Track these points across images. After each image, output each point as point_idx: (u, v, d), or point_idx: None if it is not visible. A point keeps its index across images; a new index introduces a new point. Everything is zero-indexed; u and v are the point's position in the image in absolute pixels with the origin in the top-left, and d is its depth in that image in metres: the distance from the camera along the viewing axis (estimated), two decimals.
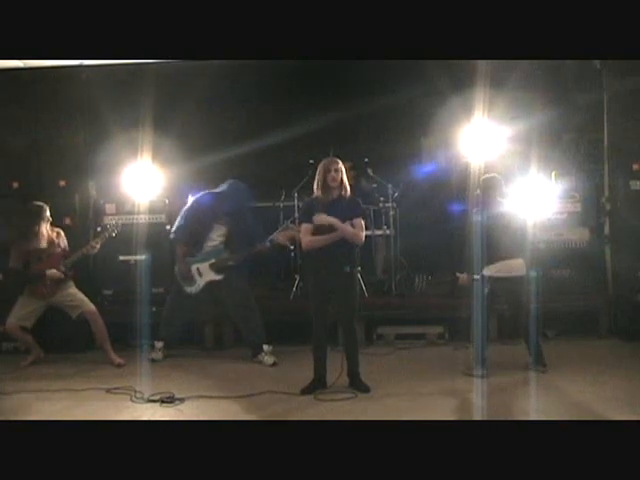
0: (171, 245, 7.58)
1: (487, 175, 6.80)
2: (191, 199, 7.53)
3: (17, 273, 7.29)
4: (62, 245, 7.41)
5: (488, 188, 6.63)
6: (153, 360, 7.27)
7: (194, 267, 7.29)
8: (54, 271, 7.20)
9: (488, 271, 6.46)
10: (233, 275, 7.26)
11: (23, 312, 7.24)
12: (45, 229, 7.33)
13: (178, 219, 7.39)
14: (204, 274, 7.28)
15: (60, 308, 7.35)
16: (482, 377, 6.25)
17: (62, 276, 7.23)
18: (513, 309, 6.75)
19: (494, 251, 6.43)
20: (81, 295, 7.41)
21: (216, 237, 7.32)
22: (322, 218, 5.91)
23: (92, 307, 7.36)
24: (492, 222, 6.45)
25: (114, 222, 7.70)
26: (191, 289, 7.31)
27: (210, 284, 7.29)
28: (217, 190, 7.37)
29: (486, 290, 6.46)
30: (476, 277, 6.46)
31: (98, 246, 7.35)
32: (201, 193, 7.45)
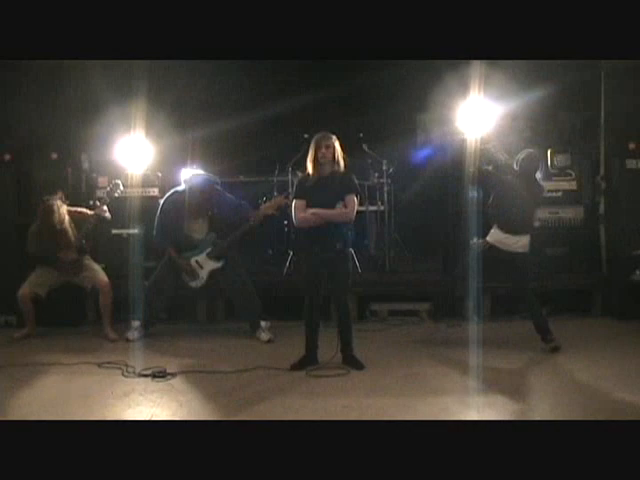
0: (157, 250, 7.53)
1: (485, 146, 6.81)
2: (162, 201, 7.39)
3: (34, 257, 7.28)
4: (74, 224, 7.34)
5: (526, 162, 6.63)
6: (128, 340, 7.13)
7: (193, 260, 7.22)
8: (69, 251, 7.19)
9: (491, 238, 6.49)
10: (231, 258, 7.25)
11: (39, 280, 7.23)
12: (58, 218, 7.23)
13: (155, 225, 7.29)
14: (204, 265, 7.23)
15: (75, 282, 7.35)
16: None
17: (78, 254, 7.21)
18: (517, 284, 6.63)
19: (502, 221, 6.45)
20: (96, 266, 7.42)
21: (202, 229, 7.26)
22: (307, 217, 5.88)
23: (105, 279, 7.35)
24: (508, 192, 6.46)
25: (115, 181, 7.50)
26: (196, 283, 7.25)
27: (212, 273, 7.25)
28: (180, 188, 7.26)
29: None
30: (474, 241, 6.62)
31: (106, 209, 7.33)
32: (168, 194, 7.36)
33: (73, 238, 7.21)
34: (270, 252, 8.91)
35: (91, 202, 7.80)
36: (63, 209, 7.24)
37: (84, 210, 7.47)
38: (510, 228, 6.46)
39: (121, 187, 7.44)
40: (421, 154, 9.47)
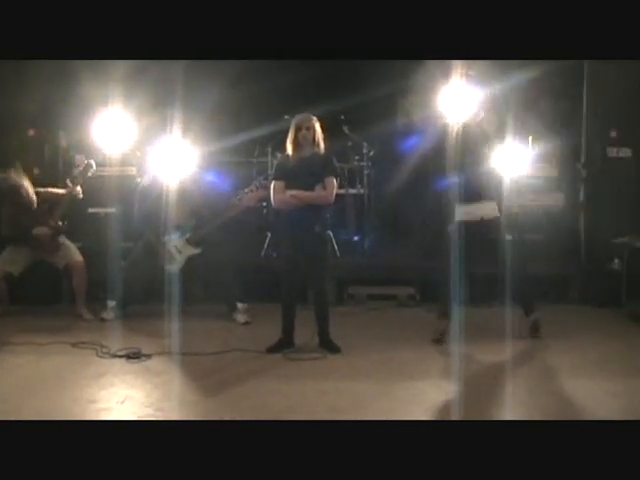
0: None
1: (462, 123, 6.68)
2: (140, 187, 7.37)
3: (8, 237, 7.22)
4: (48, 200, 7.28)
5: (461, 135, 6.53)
6: (103, 319, 7.12)
7: (172, 245, 7.18)
8: (44, 229, 7.11)
9: (458, 216, 6.33)
10: (210, 244, 7.23)
11: (11, 258, 7.16)
12: (26, 194, 7.16)
13: (135, 209, 7.23)
14: (183, 250, 7.20)
15: (49, 260, 7.28)
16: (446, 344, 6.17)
17: (53, 233, 7.15)
18: (514, 268, 6.28)
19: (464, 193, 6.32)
20: (71, 245, 7.35)
21: (182, 214, 7.19)
22: (286, 199, 5.84)
23: (80, 258, 7.30)
24: (461, 164, 6.35)
25: (87, 161, 7.38)
26: (172, 267, 7.19)
27: (190, 258, 7.21)
28: (151, 180, 7.22)
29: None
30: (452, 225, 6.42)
31: (79, 190, 7.23)
32: (143, 185, 7.33)
33: (46, 214, 7.15)
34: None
35: (68, 180, 7.67)
36: (25, 182, 7.18)
37: (55, 190, 7.38)
38: (468, 196, 6.29)
39: (94, 167, 7.35)
40: (407, 142, 9.40)
